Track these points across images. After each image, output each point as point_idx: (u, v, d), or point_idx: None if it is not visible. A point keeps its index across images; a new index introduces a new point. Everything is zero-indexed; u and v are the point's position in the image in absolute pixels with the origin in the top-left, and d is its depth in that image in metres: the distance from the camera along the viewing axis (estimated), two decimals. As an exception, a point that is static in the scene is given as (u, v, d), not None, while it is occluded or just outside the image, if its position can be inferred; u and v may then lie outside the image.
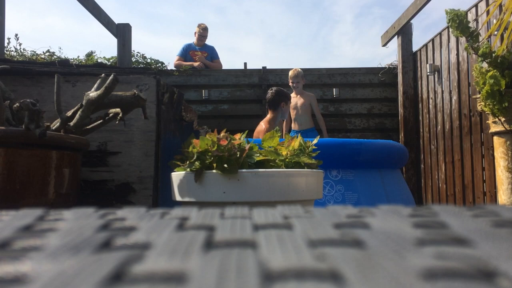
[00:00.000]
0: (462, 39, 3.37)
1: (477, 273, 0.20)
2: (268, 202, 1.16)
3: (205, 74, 4.89)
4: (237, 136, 1.32)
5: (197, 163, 1.22)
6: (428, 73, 4.02)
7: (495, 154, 2.51)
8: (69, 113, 1.67)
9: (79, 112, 1.64)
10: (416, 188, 4.37)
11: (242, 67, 5.21)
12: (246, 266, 0.21)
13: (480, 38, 2.62)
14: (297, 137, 1.35)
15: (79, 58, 6.29)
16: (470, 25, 2.55)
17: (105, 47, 16.59)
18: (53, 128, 1.63)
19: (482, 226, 0.31)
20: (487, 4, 3.05)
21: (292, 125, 4.16)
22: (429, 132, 4.12)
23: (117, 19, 6.92)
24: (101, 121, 1.74)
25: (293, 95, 4.14)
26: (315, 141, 1.43)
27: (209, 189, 1.20)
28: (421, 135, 4.31)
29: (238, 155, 1.19)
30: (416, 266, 0.21)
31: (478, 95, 2.49)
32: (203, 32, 5.09)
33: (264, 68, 4.98)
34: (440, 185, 3.88)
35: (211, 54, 5.18)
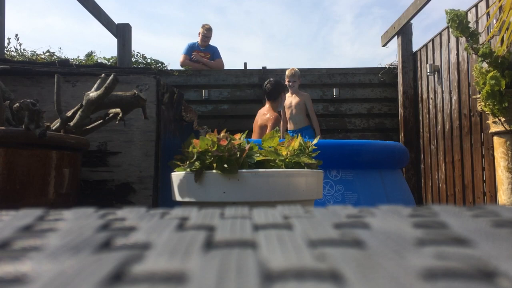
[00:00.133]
0: (462, 39, 3.37)
1: (477, 273, 0.20)
2: (268, 202, 1.16)
3: (205, 74, 4.89)
4: (237, 136, 1.32)
5: (197, 163, 1.22)
6: (428, 73, 4.02)
7: (495, 154, 2.51)
8: (69, 113, 1.67)
9: (79, 112, 1.64)
10: (416, 188, 4.37)
11: (242, 67, 5.21)
12: (246, 266, 0.21)
13: (480, 39, 2.62)
14: (297, 137, 1.35)
15: (79, 58, 6.29)
16: (470, 25, 2.55)
17: (105, 47, 16.60)
18: (53, 128, 1.63)
19: (482, 226, 0.31)
20: (487, 4, 3.05)
21: (288, 124, 4.18)
22: (429, 132, 4.12)
23: (117, 19, 6.92)
24: (101, 121, 1.74)
25: (288, 94, 4.16)
26: (315, 141, 1.43)
27: (209, 189, 1.20)
28: (421, 135, 4.31)
29: (238, 155, 1.19)
30: (416, 266, 0.21)
31: (478, 95, 2.49)
32: (207, 32, 5.08)
33: (264, 68, 4.98)
34: (440, 185, 3.88)
35: (213, 54, 5.18)
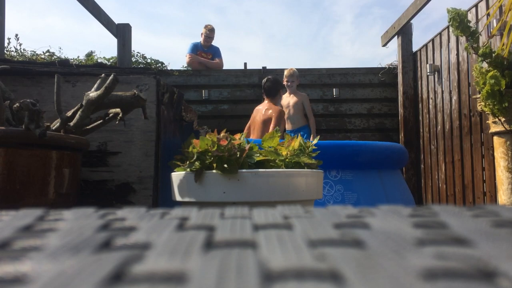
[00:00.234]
0: (462, 39, 3.37)
1: (477, 273, 0.20)
2: (268, 202, 1.16)
3: (205, 74, 4.89)
4: (237, 136, 1.32)
5: (197, 163, 1.22)
6: (428, 73, 4.03)
7: (495, 154, 2.51)
8: (69, 113, 1.67)
9: (79, 112, 1.64)
10: (416, 188, 4.37)
11: (242, 67, 5.21)
12: (246, 266, 0.21)
13: (481, 39, 2.62)
14: (297, 137, 1.35)
15: (79, 58, 6.30)
16: (471, 25, 2.55)
17: (105, 47, 16.60)
18: (53, 128, 1.63)
19: (482, 226, 0.31)
20: (487, 4, 3.05)
21: (286, 124, 4.19)
22: (429, 132, 4.12)
23: (117, 19, 6.92)
24: (101, 121, 1.74)
25: (286, 94, 4.17)
26: (315, 141, 1.43)
27: (209, 189, 1.20)
28: (421, 135, 4.31)
29: (238, 155, 1.19)
30: (416, 266, 0.21)
31: (478, 95, 2.49)
32: (209, 33, 5.09)
33: (264, 68, 4.98)
34: (440, 185, 3.88)
35: (214, 54, 5.18)
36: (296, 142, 1.31)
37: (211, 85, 4.86)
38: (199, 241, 0.27)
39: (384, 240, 0.27)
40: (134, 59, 5.97)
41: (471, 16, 3.22)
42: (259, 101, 4.77)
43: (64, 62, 2.39)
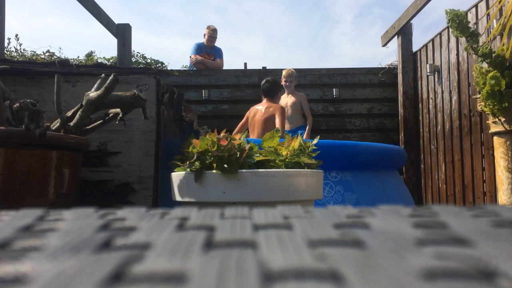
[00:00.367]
0: (462, 39, 3.37)
1: (477, 273, 0.20)
2: (268, 202, 1.16)
3: (205, 74, 4.89)
4: (237, 136, 1.32)
5: (197, 163, 1.22)
6: (428, 73, 4.03)
7: (495, 154, 2.51)
8: (69, 113, 1.67)
9: (79, 112, 1.64)
10: (416, 188, 4.37)
11: (242, 67, 5.21)
12: (246, 266, 0.21)
13: (481, 39, 2.62)
14: (297, 137, 1.35)
15: (79, 58, 6.30)
16: (470, 25, 2.55)
17: (105, 47, 16.59)
18: (53, 128, 1.63)
19: (482, 226, 0.31)
20: (487, 4, 3.05)
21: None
22: (429, 132, 4.12)
23: (117, 19, 6.92)
24: (101, 121, 1.74)
25: (284, 95, 4.18)
26: (315, 141, 1.43)
27: (209, 189, 1.20)
28: (421, 135, 4.31)
29: (238, 155, 1.19)
30: (416, 266, 0.21)
31: (478, 95, 2.49)
32: (212, 33, 5.08)
33: (264, 68, 4.98)
34: (440, 185, 3.88)
35: (216, 55, 5.18)
36: (296, 142, 1.31)
37: (211, 85, 4.86)
38: (199, 241, 0.27)
39: (384, 240, 0.27)
40: (134, 59, 5.97)
41: (471, 16, 3.22)
42: (259, 101, 4.77)
43: (64, 62, 2.39)
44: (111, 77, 1.55)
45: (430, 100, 4.09)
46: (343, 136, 4.79)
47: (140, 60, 6.21)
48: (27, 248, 0.26)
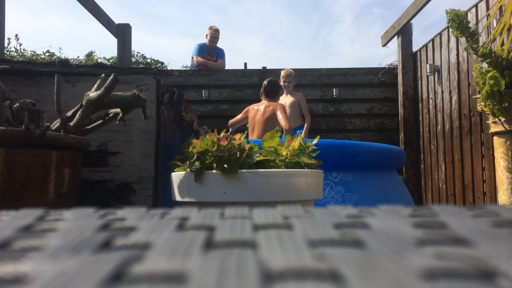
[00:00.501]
0: (462, 39, 3.37)
1: (477, 273, 0.20)
2: (268, 202, 1.16)
3: (205, 74, 4.89)
4: (237, 136, 1.32)
5: (197, 163, 1.22)
6: (428, 73, 4.03)
7: (495, 154, 2.51)
8: (69, 113, 1.67)
9: (79, 112, 1.64)
10: (416, 188, 4.37)
11: (242, 67, 5.21)
12: (246, 266, 0.21)
13: (481, 39, 2.62)
14: (297, 137, 1.35)
15: (79, 58, 6.30)
16: (470, 25, 2.55)
17: (105, 47, 16.60)
18: (53, 128, 1.63)
19: (482, 226, 0.31)
20: (487, 4, 3.05)
21: None
22: (429, 132, 4.12)
23: (117, 19, 6.92)
24: (101, 121, 1.74)
25: (283, 95, 4.18)
26: (315, 141, 1.43)
27: (209, 189, 1.20)
28: (421, 135, 4.31)
29: (238, 155, 1.19)
30: (416, 266, 0.21)
31: (478, 95, 2.49)
32: (215, 33, 5.08)
33: (264, 68, 4.98)
34: (440, 185, 3.88)
35: (218, 56, 5.17)
36: (296, 142, 1.31)
37: (211, 85, 4.86)
38: (199, 241, 0.27)
39: (384, 240, 0.27)
40: (134, 59, 5.97)
41: (471, 16, 3.22)
42: (259, 101, 4.78)
43: (64, 62, 2.39)
44: (111, 77, 1.55)
45: (430, 100, 4.09)
46: (343, 136, 4.79)
47: (140, 60, 6.21)
48: (27, 248, 0.26)
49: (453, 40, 3.60)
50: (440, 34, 3.87)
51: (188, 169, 1.22)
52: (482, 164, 3.18)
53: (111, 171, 2.11)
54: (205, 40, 5.12)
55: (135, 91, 1.62)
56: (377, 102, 4.83)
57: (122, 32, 4.88)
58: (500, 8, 2.73)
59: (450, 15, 2.52)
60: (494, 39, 2.82)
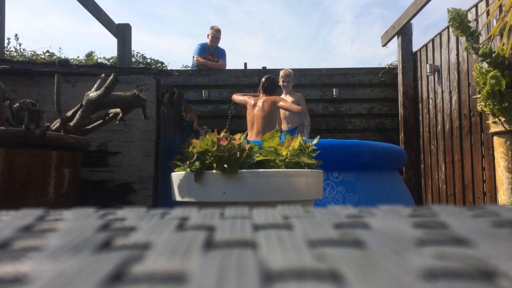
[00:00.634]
0: (462, 39, 3.37)
1: (477, 273, 0.20)
2: (268, 202, 1.16)
3: (205, 74, 4.89)
4: (237, 136, 1.32)
5: (197, 163, 1.22)
6: (428, 73, 4.03)
7: (495, 154, 2.51)
8: (69, 113, 1.67)
9: (79, 112, 1.64)
10: (416, 188, 4.37)
11: (242, 67, 5.21)
12: (246, 266, 0.21)
13: (481, 39, 2.62)
14: (297, 137, 1.35)
15: (79, 58, 6.30)
16: (471, 25, 2.55)
17: (105, 47, 16.59)
18: (53, 128, 1.63)
19: (482, 226, 0.31)
20: (487, 4, 3.05)
21: (282, 125, 4.20)
22: (429, 132, 4.12)
23: (117, 19, 6.92)
24: (101, 121, 1.74)
25: (282, 95, 4.18)
26: (315, 141, 1.43)
27: (209, 189, 1.20)
28: (421, 135, 4.31)
29: (238, 155, 1.19)
30: (416, 266, 0.21)
31: (478, 95, 2.49)
32: (216, 33, 5.07)
33: (264, 68, 4.98)
34: (440, 185, 3.88)
35: (219, 56, 5.17)
36: (296, 142, 1.31)
37: (211, 85, 4.86)
38: (199, 241, 0.27)
39: (384, 240, 0.27)
40: (134, 59, 5.97)
41: (471, 16, 3.22)
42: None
43: (64, 62, 2.39)
44: (111, 77, 1.55)
45: (430, 100, 4.09)
46: (343, 136, 4.79)
47: (140, 60, 6.21)
48: (27, 248, 0.26)
49: (453, 40, 3.60)
50: (440, 34, 3.87)
51: (188, 169, 1.22)
52: (482, 164, 3.18)
53: (111, 171, 2.11)
54: (207, 40, 5.11)
55: (135, 91, 1.62)
56: (377, 102, 4.82)
57: (122, 32, 4.88)
58: (500, 7, 2.73)
59: (452, 13, 2.52)
60: (493, 38, 2.81)
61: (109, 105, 1.65)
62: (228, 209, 0.43)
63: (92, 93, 1.62)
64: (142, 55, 6.25)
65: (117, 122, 1.73)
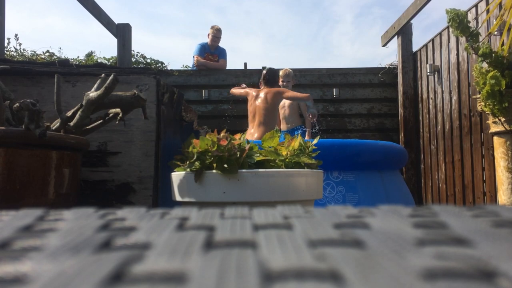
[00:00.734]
0: (462, 39, 3.37)
1: (477, 273, 0.20)
2: (268, 202, 1.16)
3: (205, 74, 4.89)
4: (237, 136, 1.32)
5: (197, 163, 1.22)
6: (428, 73, 4.02)
7: (495, 154, 2.51)
8: (69, 113, 1.67)
9: (79, 112, 1.64)
10: (416, 188, 4.37)
11: (242, 67, 5.21)
12: (246, 266, 0.21)
13: (480, 38, 2.62)
14: (297, 137, 1.35)
15: (79, 58, 6.30)
16: (470, 25, 2.55)
17: (105, 47, 16.60)
18: (53, 128, 1.63)
19: (482, 226, 0.31)
20: (487, 5, 3.05)
21: (281, 125, 4.20)
22: (429, 132, 4.12)
23: (117, 19, 6.91)
24: (101, 121, 1.74)
25: None
26: (315, 141, 1.43)
27: (209, 189, 1.20)
28: (421, 135, 4.31)
29: (238, 155, 1.19)
30: (416, 266, 0.21)
31: (478, 95, 2.49)
32: (216, 33, 5.07)
33: (264, 68, 4.98)
34: (440, 185, 3.88)
35: (220, 55, 5.17)
36: (296, 142, 1.31)
37: (211, 85, 4.86)
38: (199, 241, 0.27)
39: (384, 240, 0.27)
40: (134, 59, 5.97)
41: (471, 16, 3.22)
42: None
43: (64, 62, 2.39)
44: (111, 77, 1.55)
45: (430, 100, 4.09)
46: (343, 136, 4.79)
47: (140, 60, 6.21)
48: (27, 248, 0.26)
49: (453, 40, 3.60)
50: (440, 34, 3.87)
51: (188, 169, 1.22)
52: (482, 164, 3.18)
53: (111, 171, 2.11)
54: (207, 40, 5.11)
55: (135, 91, 1.62)
56: (377, 102, 4.82)
57: (122, 32, 4.88)
58: (500, 6, 2.73)
59: (451, 14, 2.52)
60: (491, 35, 2.81)
61: (109, 105, 1.65)
62: (228, 209, 0.43)
63: (92, 93, 1.62)
64: (142, 55, 6.26)
65: (117, 122, 1.73)
